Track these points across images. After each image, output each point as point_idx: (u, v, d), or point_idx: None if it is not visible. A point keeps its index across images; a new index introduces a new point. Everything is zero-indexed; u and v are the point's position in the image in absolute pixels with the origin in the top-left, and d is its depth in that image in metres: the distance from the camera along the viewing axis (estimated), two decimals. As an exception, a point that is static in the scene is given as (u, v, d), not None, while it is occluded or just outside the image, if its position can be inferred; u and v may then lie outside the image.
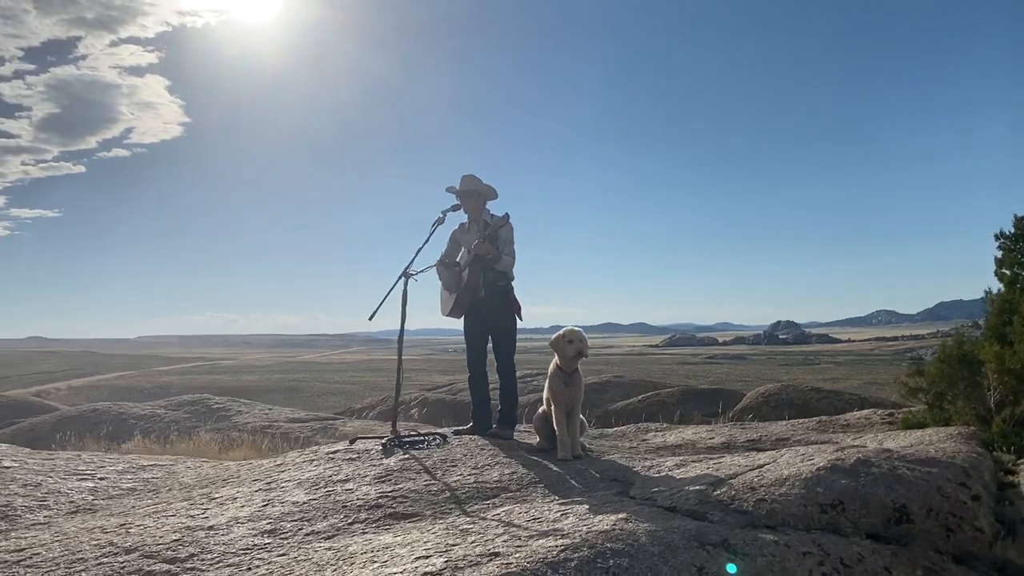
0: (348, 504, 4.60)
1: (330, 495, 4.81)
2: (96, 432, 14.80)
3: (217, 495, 5.24)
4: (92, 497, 5.80)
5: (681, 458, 5.68)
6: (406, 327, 6.62)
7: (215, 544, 4.04)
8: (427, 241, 6.64)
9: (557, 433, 6.01)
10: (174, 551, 3.95)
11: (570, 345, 6.00)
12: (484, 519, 4.18)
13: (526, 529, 3.77)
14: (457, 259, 6.89)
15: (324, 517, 4.42)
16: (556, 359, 6.12)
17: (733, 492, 4.11)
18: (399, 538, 3.88)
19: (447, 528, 4.00)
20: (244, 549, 3.96)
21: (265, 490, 5.19)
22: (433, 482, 5.01)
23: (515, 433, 6.83)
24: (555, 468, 5.51)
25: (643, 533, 3.44)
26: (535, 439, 6.47)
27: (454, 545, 3.57)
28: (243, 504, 4.85)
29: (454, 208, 6.84)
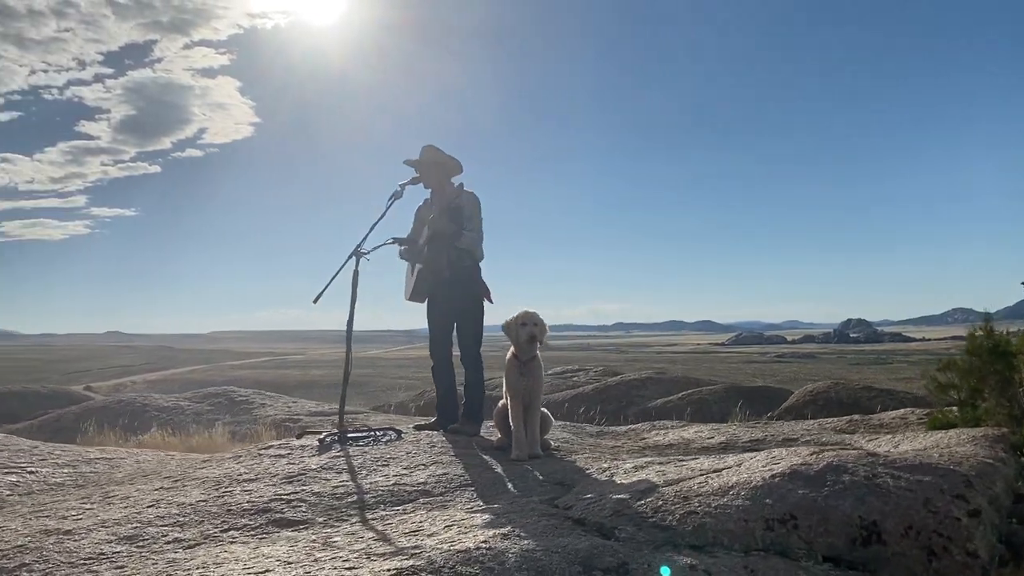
0: (234, 508, 4.02)
1: (223, 497, 4.25)
2: (116, 423, 14.61)
3: (118, 492, 4.73)
4: (8, 492, 5.35)
5: (650, 459, 4.97)
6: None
7: (59, 552, 3.50)
8: (382, 216, 6.03)
9: (512, 430, 5.35)
10: (8, 559, 3.42)
11: (523, 328, 5.33)
12: (370, 529, 3.57)
13: (393, 545, 3.15)
14: (422, 240, 6.27)
15: (200, 522, 3.85)
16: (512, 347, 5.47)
17: (660, 502, 3.41)
18: (261, 550, 3.29)
19: (318, 540, 3.41)
20: (86, 558, 3.41)
21: (166, 488, 4.65)
22: (347, 484, 4.41)
23: (482, 429, 6.19)
24: (499, 469, 4.86)
25: (515, 554, 2.77)
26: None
27: (300, 563, 2.96)
28: (129, 504, 4.32)
29: (413, 181, 6.22)
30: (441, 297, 6.18)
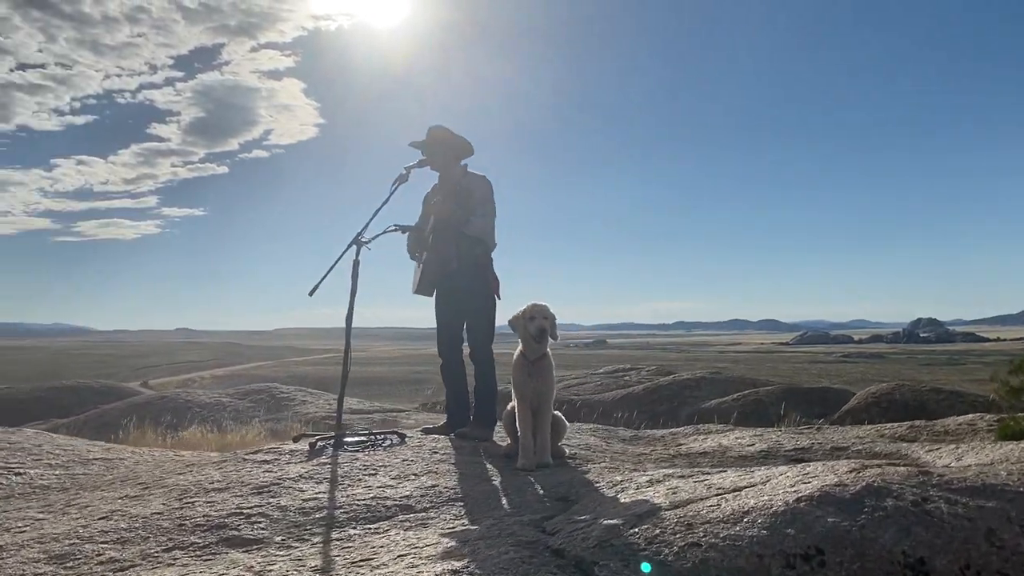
0: (188, 523, 3.58)
1: (183, 509, 3.82)
2: (157, 420, 14.51)
3: (82, 500, 4.34)
4: (-12, 495, 5.03)
5: (671, 471, 4.39)
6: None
7: (-23, 572, 3.10)
8: (386, 202, 5.55)
9: (519, 436, 4.83)
10: (-82, 580, 3.04)
11: (531, 323, 4.79)
12: (319, 556, 3.09)
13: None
14: (428, 228, 5.78)
15: (145, 539, 3.42)
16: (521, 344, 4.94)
17: (658, 531, 2.84)
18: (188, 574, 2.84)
19: (256, 566, 2.94)
20: (1, 582, 3.00)
21: (132, 497, 4.25)
22: (321, 497, 3.94)
23: (494, 433, 5.68)
24: (497, 481, 4.34)
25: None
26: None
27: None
28: (84, 515, 3.92)
29: (419, 164, 5.73)
30: (449, 290, 5.69)
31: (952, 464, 5.22)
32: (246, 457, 4.91)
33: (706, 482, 3.79)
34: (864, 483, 3.12)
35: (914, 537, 2.78)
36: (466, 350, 5.78)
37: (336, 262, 5.40)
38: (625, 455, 5.83)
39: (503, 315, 5.52)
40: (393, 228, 5.63)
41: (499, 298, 5.68)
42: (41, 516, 4.06)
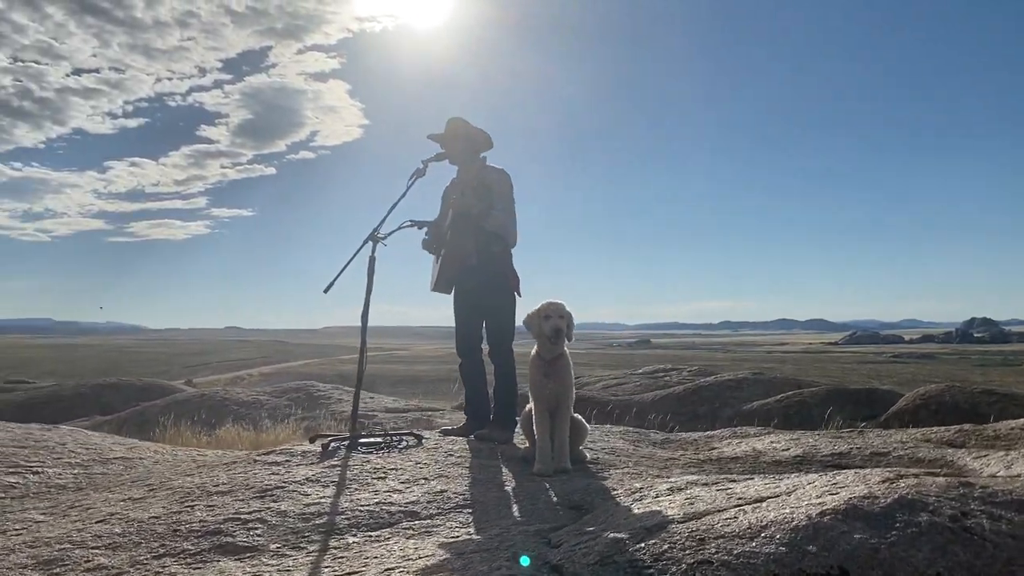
0: (183, 528, 3.45)
1: (181, 513, 3.69)
2: (194, 418, 14.58)
3: (86, 502, 4.25)
4: (2, 495, 4.98)
5: (695, 477, 4.15)
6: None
7: (-41, 578, 3.00)
8: (403, 197, 5.39)
9: (536, 440, 4.63)
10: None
11: (547, 322, 4.59)
12: (307, 567, 2.93)
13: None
14: (446, 223, 5.60)
15: (137, 545, 3.30)
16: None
17: (667, 546, 2.62)
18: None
19: (243, 574, 2.78)
20: (-17, 588, 2.90)
21: (135, 500, 4.14)
22: (324, 502, 3.78)
23: (514, 435, 5.48)
24: (510, 487, 4.15)
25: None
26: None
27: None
28: (83, 518, 3.83)
29: (437, 157, 5.56)
30: (467, 286, 5.51)
31: (1000, 473, 4.90)
32: (257, 458, 4.79)
33: (728, 491, 3.56)
34: (897, 495, 2.87)
35: (951, 557, 2.53)
36: (486, 349, 5.60)
37: (352, 258, 5.26)
38: (652, 460, 5.59)
39: (524, 313, 5.34)
40: (409, 224, 5.47)
41: (519, 295, 5.49)
42: (42, 518, 3.97)
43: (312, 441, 5.42)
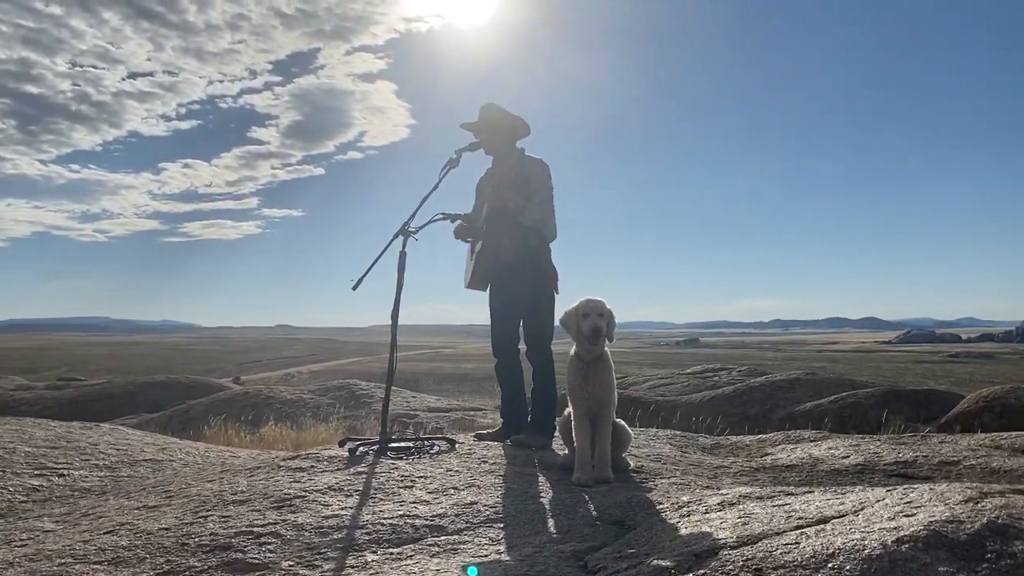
0: (191, 541, 3.21)
1: (193, 525, 3.45)
2: (239, 416, 14.54)
3: (99, 510, 4.05)
4: (22, 498, 4.83)
5: (749, 489, 3.81)
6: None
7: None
8: (435, 188, 5.11)
9: (576, 447, 4.32)
10: None
11: (585, 321, 4.27)
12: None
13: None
14: (482, 217, 5.32)
15: (142, 560, 3.06)
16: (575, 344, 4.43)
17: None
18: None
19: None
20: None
21: (149, 508, 3.92)
22: (345, 514, 3.52)
23: (553, 441, 5.18)
24: (547, 498, 3.84)
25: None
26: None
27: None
28: (92, 528, 3.61)
29: (471, 147, 5.27)
30: (503, 283, 5.22)
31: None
32: (281, 464, 4.55)
33: (786, 508, 3.21)
34: (985, 519, 2.50)
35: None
36: (523, 348, 5.30)
37: (381, 253, 5.00)
38: (701, 468, 5.25)
39: (562, 311, 5.03)
40: (441, 216, 5.19)
41: (558, 292, 5.18)
42: (52, 527, 3.78)
43: (342, 445, 5.18)
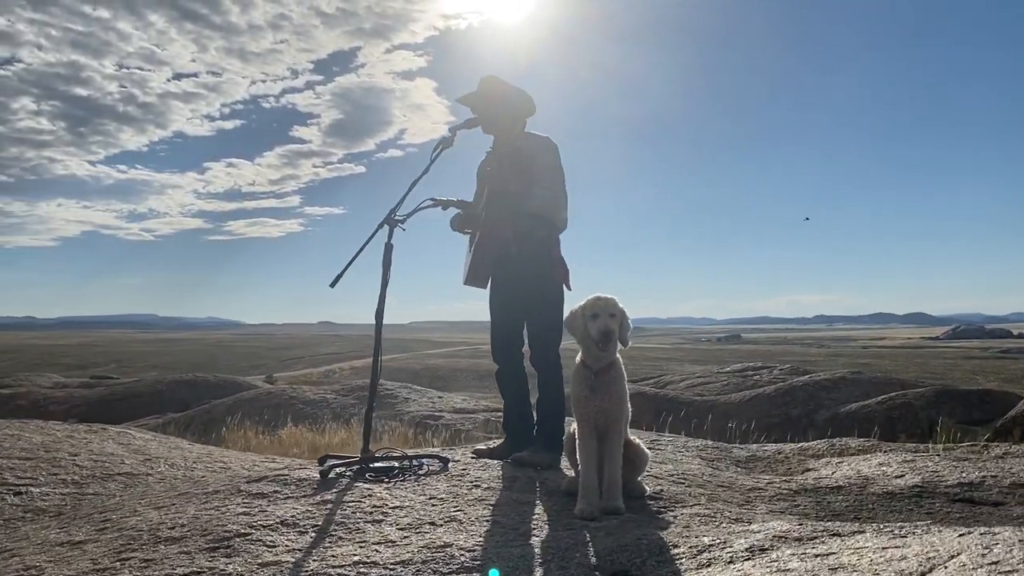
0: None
1: (104, 572, 2.87)
2: (260, 417, 14.13)
3: (23, 544, 3.49)
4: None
5: (786, 526, 3.12)
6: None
7: None
8: (425, 171, 4.48)
9: (580, 471, 3.67)
10: None
11: (594, 322, 3.61)
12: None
13: None
14: (481, 204, 4.68)
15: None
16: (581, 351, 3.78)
17: None
18: None
19: None
20: None
21: (72, 544, 3.34)
22: (289, 559, 2.91)
23: (561, 459, 4.52)
24: (537, 538, 3.20)
25: None
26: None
27: None
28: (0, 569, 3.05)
29: (468, 124, 4.63)
30: (506, 280, 4.58)
31: None
32: (243, 487, 3.96)
33: (831, 561, 2.54)
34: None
35: None
36: (528, 353, 4.67)
37: (364, 246, 4.39)
38: (731, 490, 4.56)
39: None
40: (430, 203, 4.53)
41: (570, 288, 4.53)
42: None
43: (322, 463, 4.59)
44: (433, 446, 11.77)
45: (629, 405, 3.82)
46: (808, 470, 5.68)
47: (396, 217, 4.40)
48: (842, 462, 5.76)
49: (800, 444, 7.65)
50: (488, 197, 4.51)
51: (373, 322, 4.36)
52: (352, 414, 14.24)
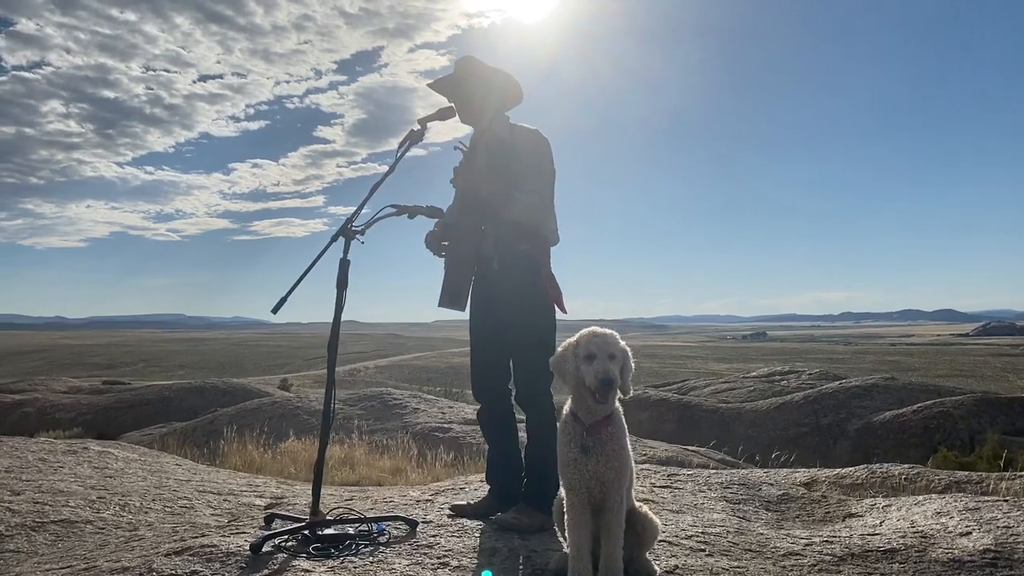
0: None
1: None
2: (262, 427, 13.46)
3: None
4: None
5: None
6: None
7: None
8: (390, 172, 3.71)
9: (569, 550, 2.89)
10: None
11: (589, 365, 2.81)
12: None
13: None
14: (450, 210, 3.90)
15: None
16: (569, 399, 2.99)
17: None
18: None
19: None
20: None
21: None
22: None
23: (552, 520, 3.74)
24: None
25: None
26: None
27: None
28: None
29: (441, 115, 3.83)
30: (486, 302, 3.80)
31: None
32: (155, 567, 3.21)
33: None
34: None
35: None
36: (514, 390, 3.88)
37: (315, 262, 3.64)
38: (763, 556, 3.74)
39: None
40: (391, 211, 3.72)
41: (564, 312, 3.74)
42: None
43: (268, 522, 3.85)
44: (441, 460, 11.06)
45: (633, 465, 3.03)
46: (850, 515, 4.87)
47: (353, 228, 3.63)
48: (890, 506, 4.95)
49: (836, 471, 6.83)
50: (459, 199, 3.73)
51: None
52: (358, 425, 13.53)
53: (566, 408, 2.96)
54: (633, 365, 2.90)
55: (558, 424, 3.00)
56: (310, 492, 6.58)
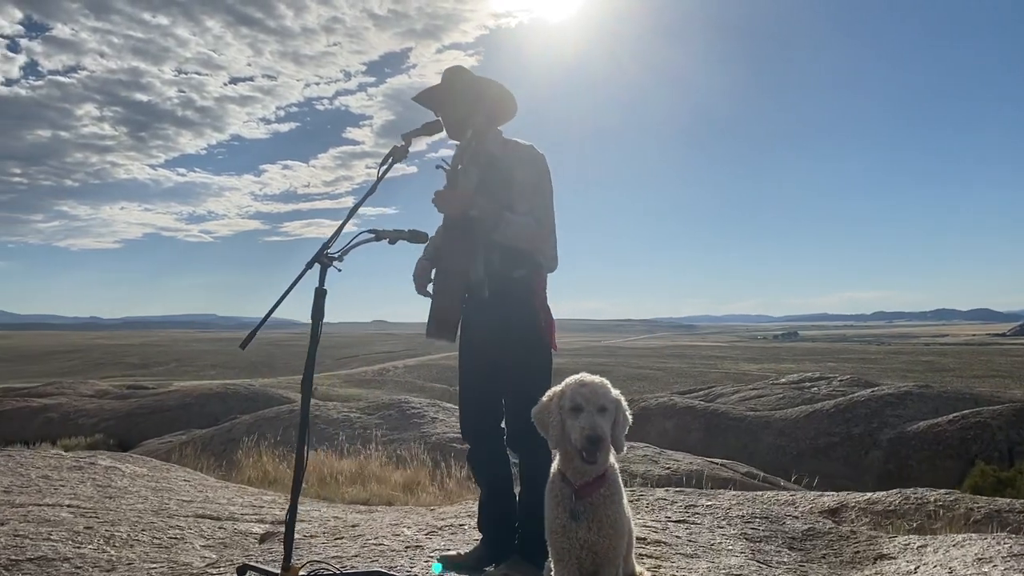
0: None
1: None
2: (277, 437, 13.26)
3: None
4: None
5: None
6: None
7: None
8: (371, 193, 3.39)
9: (556, 631, 2.55)
10: None
11: (576, 419, 2.46)
12: None
13: None
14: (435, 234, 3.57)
15: None
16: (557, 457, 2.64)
17: None
18: None
19: None
20: None
21: None
22: None
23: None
24: None
25: None
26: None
27: None
28: None
29: (427, 130, 3.50)
30: (477, 334, 3.46)
31: None
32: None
33: None
34: None
35: None
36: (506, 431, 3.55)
37: (289, 290, 3.32)
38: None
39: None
40: (370, 236, 3.38)
41: (555, 349, 3.41)
42: None
43: (241, 574, 3.55)
44: (455, 477, 10.75)
45: (633, 528, 2.68)
46: (882, 557, 4.51)
47: (329, 254, 3.31)
48: (925, 546, 4.56)
49: (867, 496, 6.46)
50: (445, 224, 3.40)
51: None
52: (373, 436, 13.29)
53: (554, 466, 2.62)
54: (630, 417, 2.55)
55: (547, 486, 2.66)
56: (315, 513, 6.31)
